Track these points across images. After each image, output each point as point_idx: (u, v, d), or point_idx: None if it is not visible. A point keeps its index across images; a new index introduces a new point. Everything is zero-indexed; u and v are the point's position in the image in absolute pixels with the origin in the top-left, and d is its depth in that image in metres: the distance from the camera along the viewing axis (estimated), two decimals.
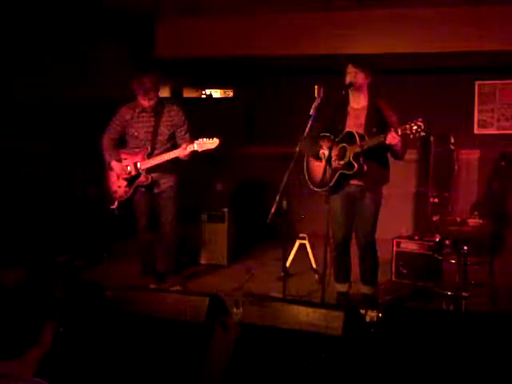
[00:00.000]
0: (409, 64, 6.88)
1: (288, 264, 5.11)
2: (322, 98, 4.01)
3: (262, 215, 3.91)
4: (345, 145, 4.13)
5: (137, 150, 4.76)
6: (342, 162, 4.13)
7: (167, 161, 4.69)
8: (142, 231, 4.93)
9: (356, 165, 4.05)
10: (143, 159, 4.73)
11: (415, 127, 3.75)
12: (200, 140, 4.54)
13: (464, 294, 4.23)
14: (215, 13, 6.60)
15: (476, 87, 7.17)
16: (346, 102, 4.28)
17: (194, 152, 4.58)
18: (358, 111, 4.24)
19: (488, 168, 6.65)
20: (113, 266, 5.64)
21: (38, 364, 1.51)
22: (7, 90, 5.35)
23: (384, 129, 4.02)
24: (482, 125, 7.18)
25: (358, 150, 4.05)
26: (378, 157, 4.15)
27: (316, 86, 4.13)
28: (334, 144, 4.10)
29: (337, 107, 4.29)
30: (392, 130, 3.89)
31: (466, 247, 4.23)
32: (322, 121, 4.06)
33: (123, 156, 4.81)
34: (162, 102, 4.80)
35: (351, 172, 4.09)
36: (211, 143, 4.53)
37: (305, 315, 2.58)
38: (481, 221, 4.49)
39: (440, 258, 4.79)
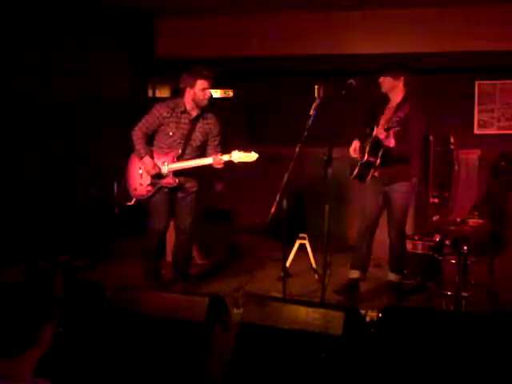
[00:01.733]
0: (409, 64, 6.87)
1: (288, 264, 5.11)
2: (321, 98, 4.04)
3: (262, 215, 3.91)
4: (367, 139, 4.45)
5: (167, 150, 4.60)
6: (361, 154, 4.44)
7: (194, 169, 4.55)
8: (156, 233, 4.73)
9: (366, 155, 4.32)
10: (173, 161, 4.56)
11: (394, 120, 4.16)
12: (238, 152, 4.41)
13: (464, 294, 4.22)
14: (215, 13, 6.61)
15: (476, 87, 7.16)
16: (386, 101, 4.58)
17: (229, 162, 4.44)
18: (391, 109, 4.52)
19: (488, 168, 6.64)
20: (113, 265, 5.64)
21: (37, 364, 1.51)
22: (7, 90, 5.36)
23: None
24: (482, 125, 7.18)
25: (368, 142, 4.36)
26: (394, 155, 4.37)
27: (316, 86, 4.15)
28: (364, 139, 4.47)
29: (377, 106, 4.61)
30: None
31: (466, 247, 4.23)
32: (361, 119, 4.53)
33: (153, 153, 4.63)
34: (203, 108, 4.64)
35: (363, 161, 4.36)
36: (249, 157, 4.41)
37: (305, 315, 2.58)
38: (481, 221, 4.49)
39: (440, 258, 4.78)
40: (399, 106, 4.46)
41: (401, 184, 4.50)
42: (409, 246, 5.08)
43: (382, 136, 4.22)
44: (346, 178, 4.83)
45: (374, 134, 4.31)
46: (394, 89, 4.50)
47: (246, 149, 4.43)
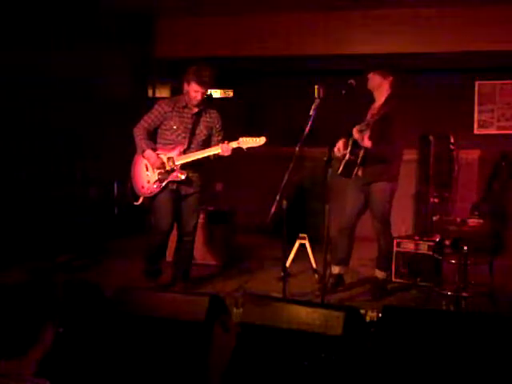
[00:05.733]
0: (409, 64, 6.88)
1: (288, 264, 5.10)
2: (321, 98, 4.05)
3: (262, 215, 3.91)
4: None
5: (171, 145, 4.57)
6: (344, 152, 4.55)
7: (199, 163, 4.54)
8: (161, 233, 4.68)
9: (348, 154, 4.48)
10: (179, 154, 4.53)
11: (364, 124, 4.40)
12: (245, 138, 4.45)
13: (464, 294, 4.22)
14: (215, 13, 6.61)
15: (476, 87, 7.16)
16: (372, 101, 4.67)
17: (238, 149, 4.46)
18: (374, 109, 4.60)
19: (488, 168, 6.64)
20: (113, 265, 5.64)
21: (38, 364, 1.51)
22: (7, 90, 5.35)
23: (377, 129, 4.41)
24: (482, 125, 7.18)
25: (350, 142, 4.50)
26: (372, 156, 4.49)
27: (316, 86, 4.14)
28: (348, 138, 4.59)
29: (364, 105, 4.71)
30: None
31: (465, 247, 4.23)
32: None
33: (158, 150, 4.60)
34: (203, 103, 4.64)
35: (346, 160, 4.49)
36: (257, 141, 4.45)
37: (305, 315, 2.58)
38: (481, 221, 4.48)
39: (440, 257, 4.79)
40: (382, 107, 4.53)
41: (381, 183, 4.60)
42: (409, 246, 5.10)
43: (357, 137, 4.40)
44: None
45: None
46: (380, 87, 4.57)
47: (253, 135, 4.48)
